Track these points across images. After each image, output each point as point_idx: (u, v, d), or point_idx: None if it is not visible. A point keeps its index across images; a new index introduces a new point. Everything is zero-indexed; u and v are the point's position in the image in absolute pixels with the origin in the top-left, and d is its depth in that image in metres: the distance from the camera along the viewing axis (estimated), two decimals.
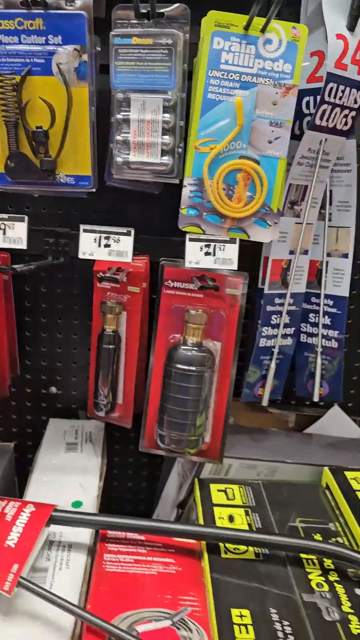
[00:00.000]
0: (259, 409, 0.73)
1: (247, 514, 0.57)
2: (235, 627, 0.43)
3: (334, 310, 0.62)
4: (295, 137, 0.55)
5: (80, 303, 0.75)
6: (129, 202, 0.70)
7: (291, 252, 0.59)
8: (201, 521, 0.55)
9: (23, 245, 0.57)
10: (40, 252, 0.70)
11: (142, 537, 0.53)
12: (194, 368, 0.56)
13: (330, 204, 0.60)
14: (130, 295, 0.63)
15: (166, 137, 0.49)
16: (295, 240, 0.59)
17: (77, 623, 0.44)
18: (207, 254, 0.48)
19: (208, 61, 0.49)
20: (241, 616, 0.44)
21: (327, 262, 0.62)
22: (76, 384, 0.79)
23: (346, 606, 0.46)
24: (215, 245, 0.48)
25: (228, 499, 0.59)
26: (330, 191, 0.60)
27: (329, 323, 0.63)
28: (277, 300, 0.61)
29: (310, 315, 0.64)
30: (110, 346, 0.63)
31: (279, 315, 0.61)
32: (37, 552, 0.49)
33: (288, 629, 0.43)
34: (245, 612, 0.45)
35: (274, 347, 0.62)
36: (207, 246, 0.48)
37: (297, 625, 0.44)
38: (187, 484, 0.66)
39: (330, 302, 0.62)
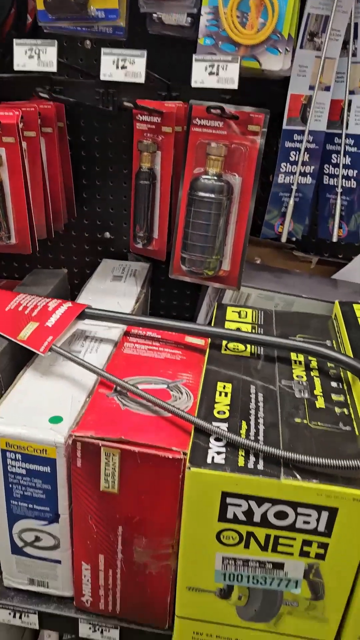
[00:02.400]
0: (286, 253, 0.78)
1: (253, 328, 0.64)
2: (217, 393, 0.52)
3: (354, 149, 0.65)
4: None
5: (129, 153, 0.82)
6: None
7: (311, 88, 0.62)
8: None
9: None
10: (91, 102, 0.77)
11: (159, 336, 0.63)
12: (212, 195, 0.63)
13: (356, 37, 0.61)
14: (164, 136, 0.69)
15: None
16: (315, 75, 0.61)
17: (95, 383, 0.56)
18: (211, 73, 0.53)
19: None
20: (224, 387, 0.53)
21: (349, 100, 0.63)
22: (127, 229, 0.88)
23: (318, 390, 0.53)
24: (218, 65, 0.52)
25: (240, 317, 0.67)
26: (356, 24, 0.60)
27: (349, 163, 0.66)
28: (295, 137, 0.64)
29: (333, 155, 0.67)
30: (146, 182, 0.71)
31: (297, 152, 0.65)
32: (70, 333, 0.60)
33: (260, 398, 0.52)
34: (228, 385, 0.54)
35: (292, 184, 0.66)
36: (212, 66, 0.52)
37: (269, 397, 0.52)
38: (212, 311, 0.74)
39: (351, 142, 0.65)
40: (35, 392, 0.54)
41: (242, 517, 0.44)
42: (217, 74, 0.52)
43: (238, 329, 0.64)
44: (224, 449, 0.45)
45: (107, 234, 0.88)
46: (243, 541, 0.45)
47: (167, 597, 0.53)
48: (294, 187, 0.66)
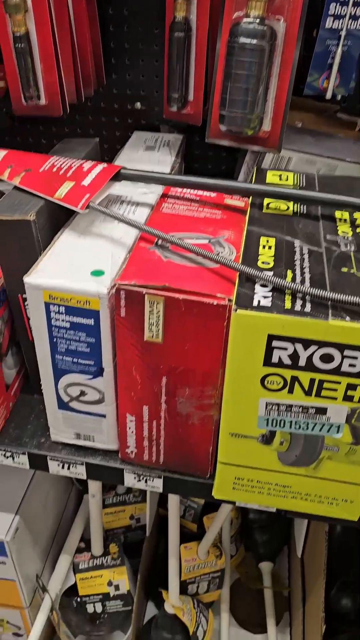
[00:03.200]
0: (329, 117, 0.74)
1: None
2: (260, 247, 0.51)
3: None
4: None
5: (160, 10, 0.76)
6: None
7: None
8: None
9: None
10: None
11: (198, 197, 0.62)
12: (254, 41, 0.58)
13: None
14: None
15: None
16: None
17: (135, 240, 0.55)
18: None
19: None
20: (267, 241, 0.52)
21: None
22: (159, 99, 0.83)
23: None
24: None
25: (281, 180, 0.64)
26: None
27: None
28: None
29: None
30: (181, 34, 0.65)
31: None
32: (106, 192, 0.59)
33: (305, 250, 0.50)
34: (272, 239, 0.52)
35: (341, 30, 0.61)
36: None
37: (314, 250, 0.51)
38: (250, 176, 0.71)
39: None
40: (75, 250, 0.53)
41: (287, 361, 0.44)
42: None
43: None
44: (270, 294, 0.44)
45: (138, 105, 0.84)
46: (287, 386, 0.46)
47: (209, 447, 0.55)
48: (343, 34, 0.60)
